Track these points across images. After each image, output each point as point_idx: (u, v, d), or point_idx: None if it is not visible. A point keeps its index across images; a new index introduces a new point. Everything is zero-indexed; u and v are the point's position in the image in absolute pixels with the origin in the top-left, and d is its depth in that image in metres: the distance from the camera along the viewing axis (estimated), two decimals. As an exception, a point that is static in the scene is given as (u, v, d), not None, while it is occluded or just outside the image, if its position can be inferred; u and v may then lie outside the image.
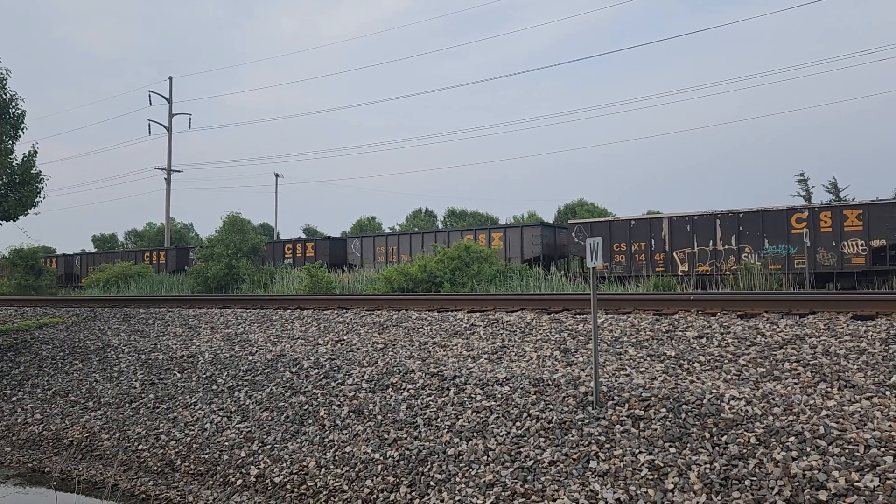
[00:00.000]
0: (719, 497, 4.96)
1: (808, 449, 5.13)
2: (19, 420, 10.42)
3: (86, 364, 11.81)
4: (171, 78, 44.56)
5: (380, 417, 7.44)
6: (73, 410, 10.20)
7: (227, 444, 7.99)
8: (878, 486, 4.63)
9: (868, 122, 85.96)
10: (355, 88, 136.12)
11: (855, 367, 6.44)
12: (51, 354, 12.74)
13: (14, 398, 11.26)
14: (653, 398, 6.22)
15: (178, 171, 44.48)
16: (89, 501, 7.65)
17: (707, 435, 5.59)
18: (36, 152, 15.63)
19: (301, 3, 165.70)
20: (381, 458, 6.76)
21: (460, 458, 6.34)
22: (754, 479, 5.01)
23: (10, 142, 15.14)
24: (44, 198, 15.92)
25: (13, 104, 15.15)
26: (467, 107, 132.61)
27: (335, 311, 12.32)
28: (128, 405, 9.78)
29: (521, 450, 6.14)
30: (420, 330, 10.06)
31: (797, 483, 4.84)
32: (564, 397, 6.64)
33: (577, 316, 9.55)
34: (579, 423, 6.21)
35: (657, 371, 7.00)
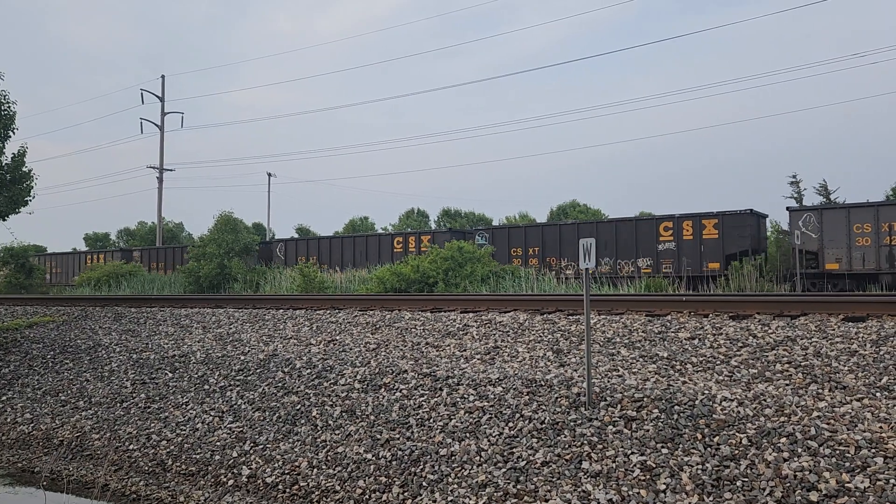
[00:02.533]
0: (711, 498, 4.97)
1: (800, 450, 5.15)
2: (9, 419, 10.36)
3: (76, 363, 11.74)
4: (163, 76, 44.45)
5: (372, 418, 7.42)
6: (64, 410, 10.14)
7: (218, 444, 7.96)
8: (869, 486, 4.66)
9: (859, 124, 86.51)
10: (349, 87, 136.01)
11: (846, 368, 6.47)
12: (41, 353, 12.66)
13: (4, 397, 11.18)
14: (645, 399, 6.23)
15: (171, 170, 44.35)
16: (79, 501, 7.60)
17: (699, 436, 5.60)
18: (25, 151, 15.56)
19: (296, 0, 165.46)
20: (374, 458, 6.75)
21: (453, 458, 6.34)
22: (746, 479, 5.03)
23: (1, 142, 15.06)
24: (34, 196, 15.85)
25: (4, 104, 15.05)
26: (461, 107, 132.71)
27: (328, 311, 12.29)
28: (119, 405, 9.73)
29: (514, 450, 6.14)
30: (413, 330, 10.05)
31: (788, 484, 4.86)
32: (557, 398, 6.65)
33: (570, 317, 9.56)
34: (572, 423, 6.22)
35: (649, 372, 7.01)
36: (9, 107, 15.10)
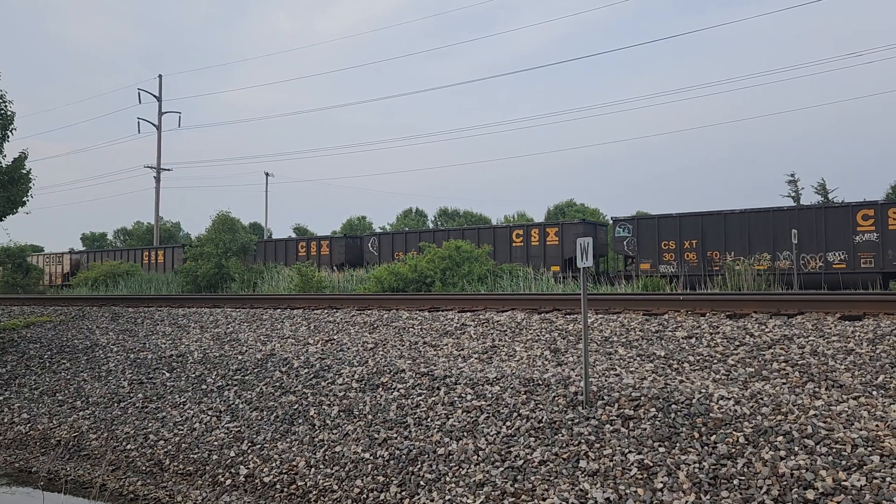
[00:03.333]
0: (708, 496, 4.98)
1: (796, 448, 5.16)
2: (6, 419, 10.34)
3: (74, 363, 11.73)
4: (160, 76, 44.35)
5: (370, 417, 7.43)
6: (61, 410, 10.13)
7: (216, 443, 7.95)
8: (865, 485, 4.67)
9: (853, 124, 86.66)
10: (347, 87, 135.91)
11: (842, 367, 6.49)
12: (38, 353, 12.64)
13: (1, 398, 11.16)
14: (642, 398, 6.24)
15: (168, 170, 44.30)
16: (77, 501, 7.59)
17: (696, 434, 5.62)
18: (26, 156, 15.54)
19: (295, 0, 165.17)
20: (371, 457, 6.76)
21: (450, 457, 6.34)
22: (743, 478, 5.04)
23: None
24: (31, 197, 15.81)
25: (2, 105, 15.01)
26: (458, 107, 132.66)
27: (325, 311, 12.28)
28: (116, 405, 9.72)
29: (512, 449, 6.15)
30: (410, 329, 10.05)
31: (785, 482, 4.87)
32: (554, 397, 6.66)
33: (568, 316, 9.56)
34: (569, 422, 6.23)
35: (647, 371, 7.02)
36: (5, 106, 15.05)
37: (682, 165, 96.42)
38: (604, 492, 5.30)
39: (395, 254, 26.68)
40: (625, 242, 21.86)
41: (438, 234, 25.89)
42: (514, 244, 23.98)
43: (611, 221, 22.83)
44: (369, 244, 28.13)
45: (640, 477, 5.35)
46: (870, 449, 4.99)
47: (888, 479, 4.66)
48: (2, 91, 15.00)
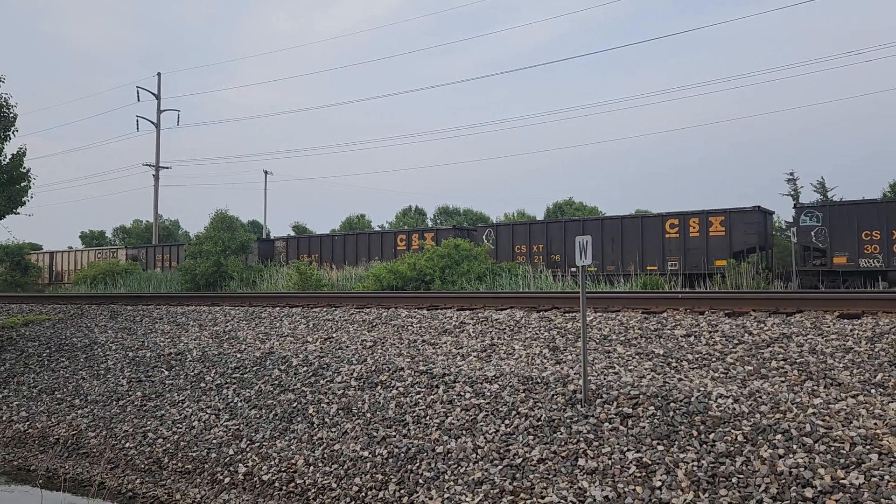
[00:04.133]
0: (707, 494, 4.98)
1: (795, 447, 5.17)
2: (4, 418, 10.34)
3: (72, 361, 11.72)
4: (159, 74, 44.31)
5: (369, 415, 7.43)
6: (60, 408, 10.12)
7: (215, 441, 7.95)
8: (864, 483, 4.67)
9: (855, 123, 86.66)
10: (343, 86, 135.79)
11: (841, 365, 6.49)
12: (37, 352, 12.64)
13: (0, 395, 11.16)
14: (641, 396, 6.25)
15: (167, 168, 44.26)
16: (76, 500, 7.59)
17: (695, 433, 5.62)
18: (25, 152, 15.52)
19: (295, 0, 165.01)
20: (370, 455, 6.76)
21: (449, 455, 6.34)
22: (741, 476, 5.04)
23: (0, 143, 15.00)
24: (31, 197, 15.80)
25: (5, 107, 14.98)
26: (457, 106, 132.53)
27: (324, 309, 12.28)
28: (115, 403, 9.71)
29: (510, 447, 6.15)
30: (409, 328, 10.04)
31: (784, 480, 4.88)
32: (553, 395, 6.66)
33: (566, 314, 9.56)
34: (568, 420, 6.23)
35: (645, 369, 7.03)
36: (9, 109, 15.03)
37: (676, 165, 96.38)
38: (602, 490, 5.30)
39: (517, 247, 23.38)
40: (812, 233, 19.10)
41: (570, 224, 22.91)
42: (666, 235, 21.03)
43: (793, 209, 20.11)
44: (484, 236, 24.92)
45: (638, 475, 5.35)
46: (868, 447, 5.00)
47: (886, 477, 4.67)
48: (6, 95, 14.97)
